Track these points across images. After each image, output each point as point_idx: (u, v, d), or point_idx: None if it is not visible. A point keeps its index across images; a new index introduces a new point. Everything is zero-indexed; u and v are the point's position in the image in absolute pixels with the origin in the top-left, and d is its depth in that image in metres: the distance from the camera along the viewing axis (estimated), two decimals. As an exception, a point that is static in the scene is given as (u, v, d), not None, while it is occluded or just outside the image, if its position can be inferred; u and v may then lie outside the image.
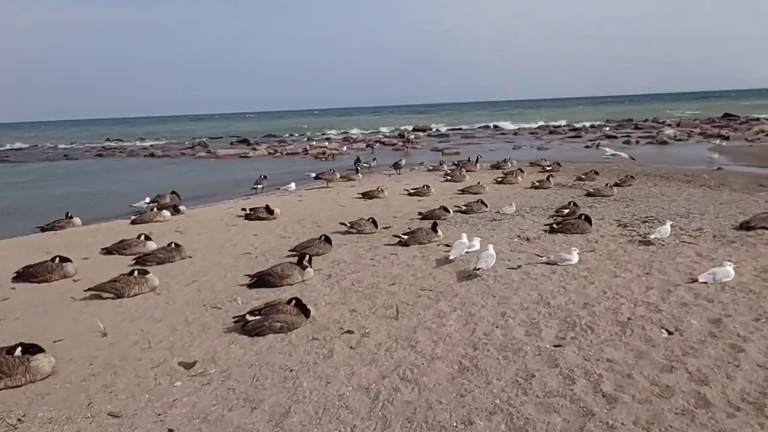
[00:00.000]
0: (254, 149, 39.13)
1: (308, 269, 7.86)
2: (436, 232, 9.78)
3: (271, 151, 36.93)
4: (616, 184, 16.21)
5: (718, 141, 28.99)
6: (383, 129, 57.83)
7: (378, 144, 38.32)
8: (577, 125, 49.65)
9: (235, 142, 50.14)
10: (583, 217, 10.04)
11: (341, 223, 11.05)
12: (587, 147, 31.45)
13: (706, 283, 7.05)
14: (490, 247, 8.01)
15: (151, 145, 51.11)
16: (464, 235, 8.92)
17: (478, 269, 7.51)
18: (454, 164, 21.82)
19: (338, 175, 18.25)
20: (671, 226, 9.34)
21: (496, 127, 54.88)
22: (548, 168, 20.33)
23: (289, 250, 9.38)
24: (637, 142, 33.14)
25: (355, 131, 57.57)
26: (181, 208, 13.96)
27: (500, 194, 15.70)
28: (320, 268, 8.42)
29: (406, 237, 9.65)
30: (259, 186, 17.58)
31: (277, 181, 19.57)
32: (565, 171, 20.27)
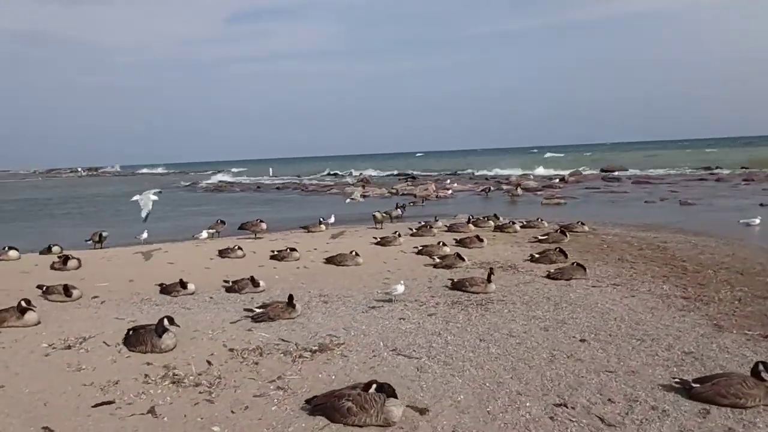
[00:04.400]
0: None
1: None
2: None
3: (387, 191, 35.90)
4: (548, 275, 10.27)
5: None
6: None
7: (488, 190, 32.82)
8: None
9: (402, 177, 50.85)
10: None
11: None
12: (762, 205, 20.99)
13: None
14: None
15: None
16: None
17: None
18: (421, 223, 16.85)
19: (264, 226, 16.38)
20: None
21: (709, 169, 41.44)
22: (542, 237, 14.16)
23: None
24: None
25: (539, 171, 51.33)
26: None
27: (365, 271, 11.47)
28: None
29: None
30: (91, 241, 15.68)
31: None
32: (587, 245, 13.93)
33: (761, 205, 21.16)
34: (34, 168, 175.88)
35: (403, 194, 34.74)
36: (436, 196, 31.31)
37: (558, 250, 11.85)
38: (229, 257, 13.10)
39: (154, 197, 14.03)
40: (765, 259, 11.50)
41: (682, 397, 5.29)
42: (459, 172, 53.56)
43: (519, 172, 46.65)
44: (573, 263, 10.61)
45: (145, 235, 16.43)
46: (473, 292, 9.44)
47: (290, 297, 8.09)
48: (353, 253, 12.25)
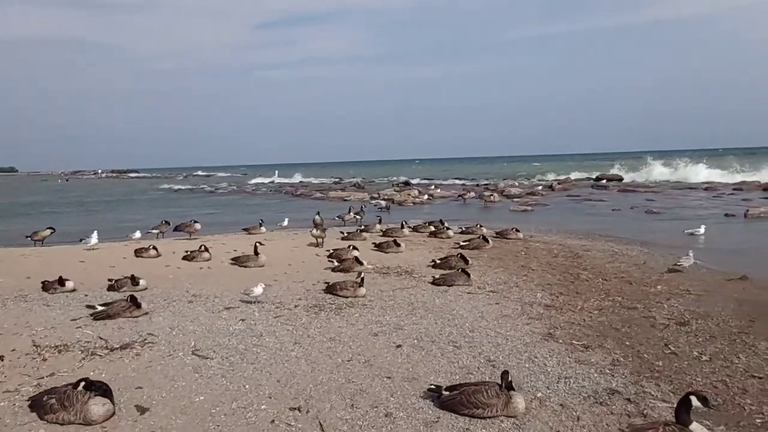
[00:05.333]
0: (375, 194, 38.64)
1: None
2: None
3: (375, 195, 35.88)
4: (433, 281, 10.01)
5: None
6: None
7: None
8: None
9: (400, 184, 50.71)
10: None
11: None
12: (727, 215, 20.29)
13: None
14: None
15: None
16: None
17: None
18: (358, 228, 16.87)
19: (198, 227, 16.49)
20: None
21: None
22: (464, 243, 13.94)
23: None
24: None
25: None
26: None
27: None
28: None
29: None
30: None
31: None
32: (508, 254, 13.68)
33: (726, 215, 20.51)
34: (61, 170, 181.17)
35: (384, 199, 34.72)
36: (412, 203, 31.14)
37: (459, 256, 11.64)
38: (142, 257, 13.23)
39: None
40: (669, 270, 11.09)
41: (432, 405, 5.13)
42: (456, 179, 53.23)
43: (512, 180, 46.14)
44: (459, 269, 10.40)
45: (93, 237, 16.62)
46: (343, 296, 9.34)
47: (132, 297, 8.11)
48: (256, 254, 12.25)
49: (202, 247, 13.12)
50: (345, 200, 35.36)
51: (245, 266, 12.06)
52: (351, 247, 12.95)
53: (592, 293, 9.31)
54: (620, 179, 44.29)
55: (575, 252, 13.22)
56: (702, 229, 15.66)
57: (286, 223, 19.94)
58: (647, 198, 28.35)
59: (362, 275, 9.66)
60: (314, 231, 15.03)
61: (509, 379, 4.88)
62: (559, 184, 38.51)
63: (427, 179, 53.40)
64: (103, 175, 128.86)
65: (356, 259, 11.66)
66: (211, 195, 47.09)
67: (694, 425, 4.11)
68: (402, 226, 16.40)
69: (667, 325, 7.56)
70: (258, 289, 8.89)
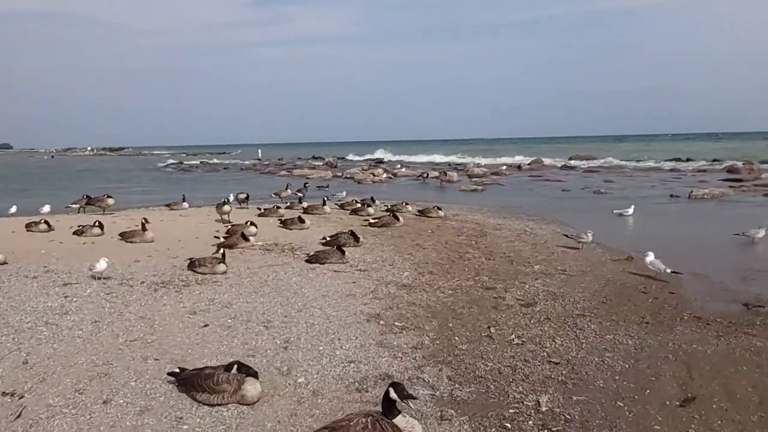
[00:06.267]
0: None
1: None
2: None
3: (339, 173, 35.30)
4: (307, 258, 9.49)
5: None
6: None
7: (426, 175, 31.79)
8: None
9: (371, 162, 50.01)
10: None
11: None
12: (672, 197, 19.73)
13: None
14: None
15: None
16: None
17: None
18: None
19: (110, 201, 15.92)
20: None
21: (678, 161, 39.45)
22: (373, 221, 13.39)
23: None
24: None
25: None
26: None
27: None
28: None
29: None
30: None
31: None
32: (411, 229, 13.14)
33: (671, 196, 19.99)
34: (54, 147, 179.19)
35: (346, 177, 34.25)
36: (372, 181, 30.56)
37: (350, 233, 11.12)
38: (32, 231, 12.66)
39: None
40: (563, 249, 10.59)
41: (165, 390, 4.64)
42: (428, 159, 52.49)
43: (484, 160, 45.45)
44: (334, 247, 9.89)
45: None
46: (201, 273, 8.82)
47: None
48: (144, 230, 11.71)
49: (96, 223, 12.59)
50: (308, 178, 34.79)
51: (131, 242, 11.50)
52: (248, 223, 12.42)
53: (463, 273, 8.80)
54: (594, 159, 43.71)
55: (484, 231, 12.69)
56: (630, 210, 15.16)
57: (232, 198, 19.41)
58: (606, 179, 27.74)
59: (222, 251, 9.15)
60: (224, 207, 14.42)
61: (234, 367, 4.38)
62: (528, 165, 37.91)
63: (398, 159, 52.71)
64: (92, 152, 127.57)
65: (242, 234, 11.13)
66: (172, 172, 46.38)
67: (398, 418, 3.62)
68: (324, 203, 15.88)
69: (512, 306, 7.08)
70: (100, 265, 8.35)
